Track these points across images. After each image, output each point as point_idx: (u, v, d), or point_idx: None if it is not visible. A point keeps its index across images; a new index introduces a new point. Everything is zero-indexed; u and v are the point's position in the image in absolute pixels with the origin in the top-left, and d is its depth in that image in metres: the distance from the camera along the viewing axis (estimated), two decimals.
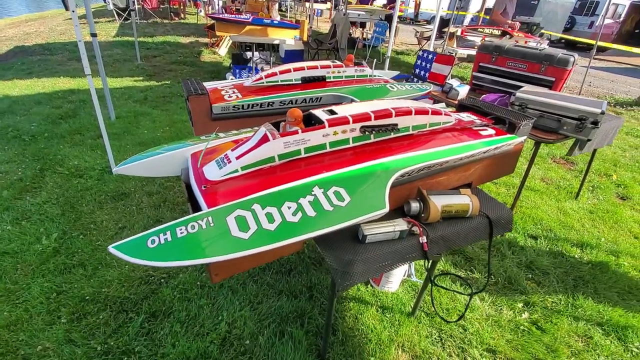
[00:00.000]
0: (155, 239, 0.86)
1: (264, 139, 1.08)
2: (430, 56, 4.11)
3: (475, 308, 2.09)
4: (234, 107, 1.87)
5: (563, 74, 2.77)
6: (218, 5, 12.93)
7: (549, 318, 2.07)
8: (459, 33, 5.93)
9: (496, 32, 5.92)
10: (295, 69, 2.12)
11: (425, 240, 1.22)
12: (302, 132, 1.13)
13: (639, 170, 3.98)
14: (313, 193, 0.99)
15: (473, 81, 3.27)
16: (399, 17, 12.62)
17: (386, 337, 1.89)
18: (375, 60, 2.89)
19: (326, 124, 1.16)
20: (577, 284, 2.32)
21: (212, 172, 1.09)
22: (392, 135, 1.29)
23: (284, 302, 2.01)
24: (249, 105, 1.91)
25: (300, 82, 2.14)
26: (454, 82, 3.17)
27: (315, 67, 2.17)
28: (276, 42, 5.52)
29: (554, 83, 2.83)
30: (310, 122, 1.22)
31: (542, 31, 7.89)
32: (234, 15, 5.26)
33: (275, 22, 5.46)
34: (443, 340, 1.91)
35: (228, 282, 2.13)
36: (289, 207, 0.95)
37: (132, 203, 2.82)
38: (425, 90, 2.33)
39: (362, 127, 1.22)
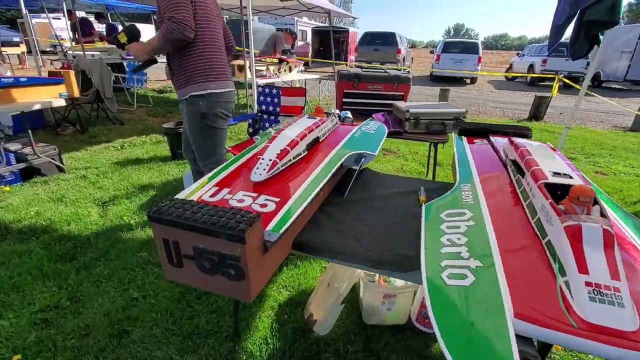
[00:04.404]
0: None
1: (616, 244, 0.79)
2: (274, 91, 4.08)
3: None
4: (293, 220, 1.23)
5: (407, 88, 3.53)
6: None
7: None
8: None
9: (275, 60, 6.53)
10: (301, 137, 1.60)
11: None
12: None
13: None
14: None
15: (343, 107, 3.56)
16: None
17: None
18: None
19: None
20: None
21: None
22: None
23: None
24: (302, 209, 1.30)
25: (306, 151, 1.65)
26: (336, 111, 3.34)
27: (312, 129, 1.72)
28: (36, 107, 3.75)
29: (403, 97, 3.56)
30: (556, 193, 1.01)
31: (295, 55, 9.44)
32: None
33: (22, 79, 3.67)
34: None
35: None
36: None
37: None
38: (385, 128, 2.33)
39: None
